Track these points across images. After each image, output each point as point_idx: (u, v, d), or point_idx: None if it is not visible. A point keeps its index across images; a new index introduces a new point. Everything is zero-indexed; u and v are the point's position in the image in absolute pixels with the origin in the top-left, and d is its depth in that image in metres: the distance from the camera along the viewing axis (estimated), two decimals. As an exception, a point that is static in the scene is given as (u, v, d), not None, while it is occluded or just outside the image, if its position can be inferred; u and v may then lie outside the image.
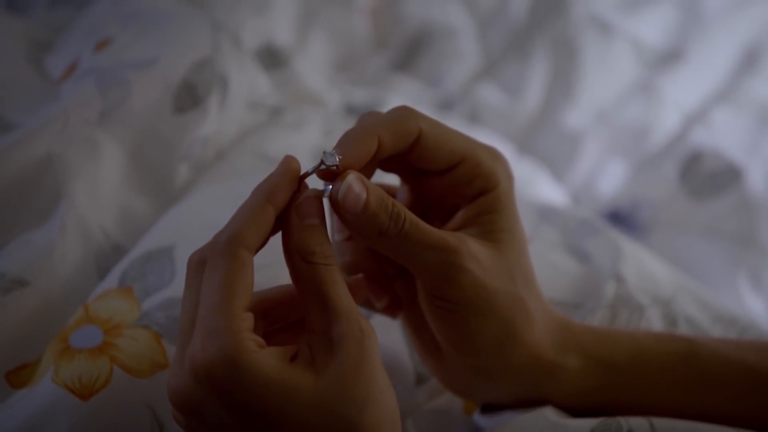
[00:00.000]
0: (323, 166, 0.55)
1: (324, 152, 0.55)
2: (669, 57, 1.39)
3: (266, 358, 0.50)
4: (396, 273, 0.64)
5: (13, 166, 0.72)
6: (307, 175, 0.55)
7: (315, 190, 0.55)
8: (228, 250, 0.52)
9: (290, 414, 0.50)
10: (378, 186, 0.57)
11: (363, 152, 0.56)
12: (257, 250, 0.54)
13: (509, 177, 0.62)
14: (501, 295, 0.59)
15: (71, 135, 0.75)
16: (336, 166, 0.55)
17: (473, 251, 0.58)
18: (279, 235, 0.55)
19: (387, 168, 0.62)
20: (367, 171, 0.61)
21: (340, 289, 0.53)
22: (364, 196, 0.55)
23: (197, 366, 0.50)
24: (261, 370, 0.49)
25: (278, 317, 0.60)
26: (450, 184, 0.61)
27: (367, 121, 0.58)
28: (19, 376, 0.66)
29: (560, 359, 0.63)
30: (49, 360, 0.64)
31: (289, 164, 0.55)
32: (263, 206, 0.54)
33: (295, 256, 0.54)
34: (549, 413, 0.62)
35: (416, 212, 0.62)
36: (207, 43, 0.83)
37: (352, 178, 0.55)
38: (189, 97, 0.80)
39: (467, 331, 0.60)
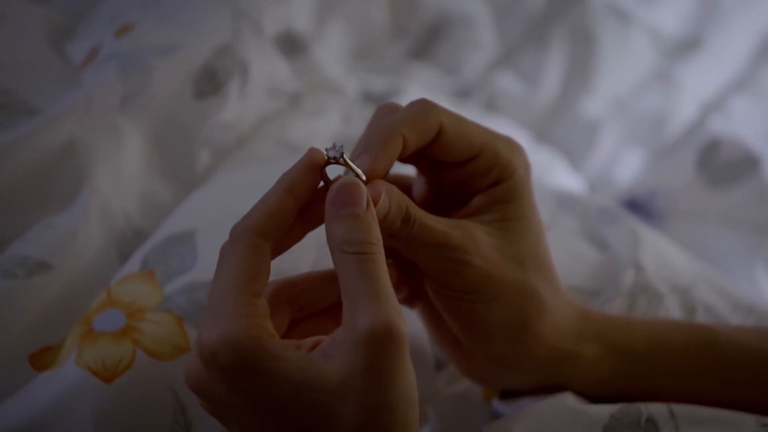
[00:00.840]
0: (332, 160, 0.55)
1: (334, 145, 0.55)
2: (686, 46, 1.39)
3: (272, 345, 0.50)
4: (414, 263, 0.63)
5: (36, 152, 0.72)
6: (327, 164, 0.55)
7: (350, 178, 0.54)
8: (240, 236, 0.53)
9: (293, 403, 0.50)
10: (395, 185, 0.57)
11: (390, 156, 0.56)
12: (285, 241, 0.55)
13: (526, 166, 0.62)
14: (509, 284, 0.60)
15: (94, 121, 0.75)
16: (341, 156, 0.55)
17: (480, 243, 0.58)
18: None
19: (405, 160, 0.62)
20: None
21: (370, 281, 0.51)
22: (386, 206, 0.55)
23: (204, 350, 0.50)
24: (264, 357, 0.49)
25: (306, 303, 0.60)
26: (467, 174, 0.61)
27: (389, 120, 0.58)
28: (43, 358, 0.66)
29: (577, 347, 0.63)
30: (72, 343, 0.64)
31: (311, 156, 0.55)
32: (281, 196, 0.54)
33: (329, 243, 0.53)
34: (568, 399, 0.62)
35: (432, 202, 0.62)
36: (228, 30, 0.84)
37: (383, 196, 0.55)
38: (210, 83, 0.80)
39: (476, 318, 0.61)
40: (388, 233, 0.55)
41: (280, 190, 0.54)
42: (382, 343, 0.49)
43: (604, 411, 0.60)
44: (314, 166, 0.55)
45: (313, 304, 0.60)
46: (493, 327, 0.61)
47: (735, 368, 0.64)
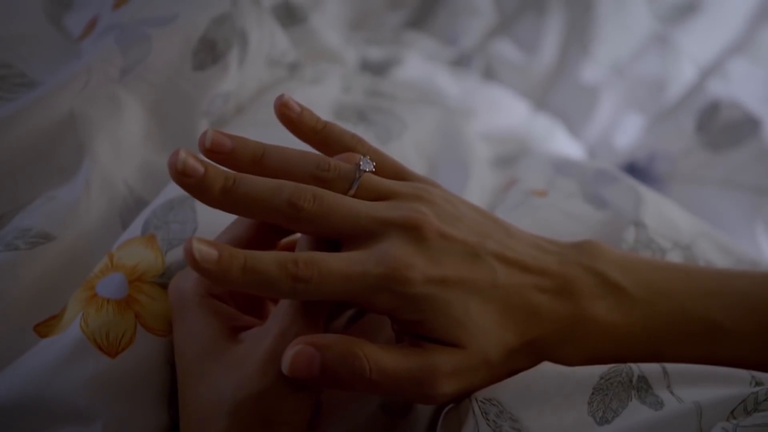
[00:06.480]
0: None
1: None
2: (684, 9, 1.38)
3: (207, 302, 0.60)
4: None
5: (36, 124, 0.72)
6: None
7: None
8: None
9: (193, 359, 0.59)
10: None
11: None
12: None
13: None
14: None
15: (93, 92, 0.75)
16: None
17: (444, 367, 0.57)
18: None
19: None
20: None
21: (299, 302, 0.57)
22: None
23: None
24: (192, 305, 0.61)
25: None
26: None
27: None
28: (49, 327, 0.66)
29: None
30: (75, 307, 0.65)
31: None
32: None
33: None
34: (554, 365, 0.61)
35: None
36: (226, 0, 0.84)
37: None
38: (209, 53, 0.80)
39: None
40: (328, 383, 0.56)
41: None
42: (263, 340, 0.57)
43: (594, 372, 0.58)
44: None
45: None
46: None
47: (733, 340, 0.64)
